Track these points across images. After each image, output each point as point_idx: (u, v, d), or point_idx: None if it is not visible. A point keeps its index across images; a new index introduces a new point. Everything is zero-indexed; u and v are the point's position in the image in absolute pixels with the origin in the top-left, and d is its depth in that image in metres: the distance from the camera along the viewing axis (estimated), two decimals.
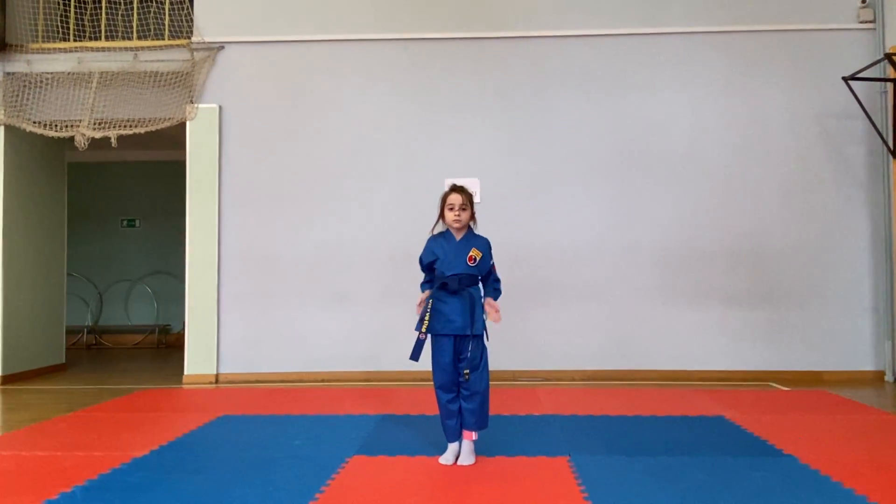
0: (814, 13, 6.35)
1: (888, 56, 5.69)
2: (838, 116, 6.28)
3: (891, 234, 6.05)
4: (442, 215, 3.48)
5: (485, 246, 3.46)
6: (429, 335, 3.38)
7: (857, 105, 6.02)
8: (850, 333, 6.19)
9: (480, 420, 3.38)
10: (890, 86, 6.01)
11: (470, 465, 3.33)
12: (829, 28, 6.33)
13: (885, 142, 6.02)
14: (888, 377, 6.04)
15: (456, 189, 3.46)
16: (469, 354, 3.32)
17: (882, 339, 6.12)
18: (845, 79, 5.96)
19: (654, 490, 2.95)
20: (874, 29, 6.26)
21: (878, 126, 6.05)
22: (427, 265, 3.49)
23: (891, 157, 6.01)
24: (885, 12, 6.20)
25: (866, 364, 6.16)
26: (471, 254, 3.38)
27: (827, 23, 6.34)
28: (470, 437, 3.39)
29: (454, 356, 3.35)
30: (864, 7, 6.28)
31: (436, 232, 3.53)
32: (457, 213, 3.40)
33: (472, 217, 3.48)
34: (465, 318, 3.33)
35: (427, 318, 3.36)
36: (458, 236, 3.45)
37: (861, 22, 6.30)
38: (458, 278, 3.35)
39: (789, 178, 6.30)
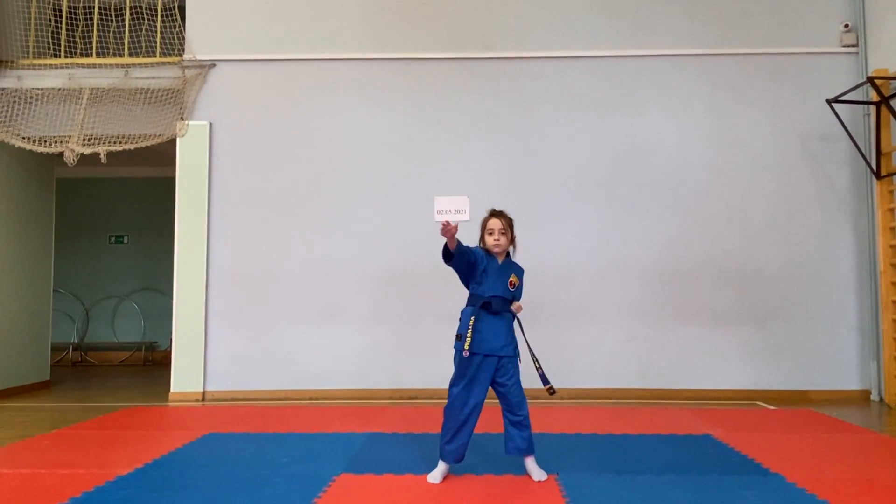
0: (798, 37, 6.47)
1: (871, 79, 5.79)
2: (822, 138, 6.37)
3: (875, 255, 6.12)
4: (482, 239, 3.50)
5: (521, 273, 3.51)
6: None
7: (841, 127, 6.12)
8: (836, 353, 6.23)
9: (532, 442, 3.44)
10: (873, 108, 6.11)
11: (460, 484, 3.32)
12: (812, 52, 6.44)
13: (868, 164, 6.11)
14: (874, 396, 6.08)
15: (495, 214, 3.49)
16: (512, 375, 3.39)
17: (867, 358, 6.17)
18: (829, 101, 6.06)
19: None
20: (857, 53, 6.38)
21: (862, 148, 6.15)
22: (473, 260, 3.37)
23: (874, 178, 6.10)
24: (868, 36, 6.32)
25: (852, 383, 6.20)
26: (511, 279, 3.44)
27: (811, 46, 6.45)
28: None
29: (491, 376, 3.38)
30: (846, 31, 6.40)
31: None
32: (496, 237, 3.42)
33: (513, 241, 3.50)
34: (504, 339, 3.39)
35: (469, 337, 3.34)
36: (500, 260, 3.47)
37: (844, 46, 6.42)
38: (500, 300, 3.39)
39: (775, 198, 6.37)
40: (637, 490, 3.22)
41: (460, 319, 3.46)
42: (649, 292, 6.33)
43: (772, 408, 5.71)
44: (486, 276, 3.41)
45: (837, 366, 6.22)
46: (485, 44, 6.56)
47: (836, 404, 5.87)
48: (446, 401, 3.41)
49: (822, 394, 6.16)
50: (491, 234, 3.44)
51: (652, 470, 3.58)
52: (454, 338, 3.43)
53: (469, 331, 3.33)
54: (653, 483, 3.34)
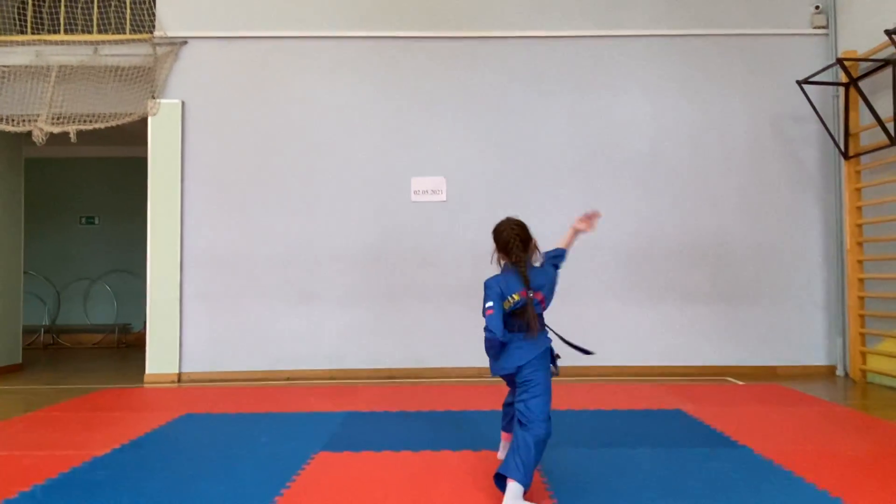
0: (769, 18, 6.54)
1: (840, 61, 5.87)
2: (793, 119, 6.47)
3: (842, 234, 6.25)
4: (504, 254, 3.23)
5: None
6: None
7: (811, 108, 6.21)
8: (803, 330, 6.38)
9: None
10: (842, 90, 6.21)
11: (438, 459, 3.37)
12: (783, 33, 6.52)
13: (836, 144, 6.22)
14: (839, 371, 6.25)
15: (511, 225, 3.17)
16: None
17: (833, 335, 6.32)
18: (799, 82, 6.14)
19: (616, 481, 3.04)
20: (827, 34, 6.46)
21: (831, 129, 6.25)
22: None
23: (842, 159, 6.21)
24: (838, 18, 6.40)
25: (818, 359, 6.36)
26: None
27: (782, 28, 6.53)
28: None
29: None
30: (817, 13, 6.48)
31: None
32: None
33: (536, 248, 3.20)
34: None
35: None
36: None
37: (815, 27, 6.50)
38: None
39: (746, 178, 6.47)
40: (611, 463, 3.30)
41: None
42: (623, 271, 6.41)
43: (741, 383, 5.84)
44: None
45: (804, 342, 6.38)
46: (462, 22, 6.53)
47: (803, 379, 6.03)
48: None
49: (789, 369, 6.32)
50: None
51: (625, 444, 3.67)
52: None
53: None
54: (626, 456, 3.42)
